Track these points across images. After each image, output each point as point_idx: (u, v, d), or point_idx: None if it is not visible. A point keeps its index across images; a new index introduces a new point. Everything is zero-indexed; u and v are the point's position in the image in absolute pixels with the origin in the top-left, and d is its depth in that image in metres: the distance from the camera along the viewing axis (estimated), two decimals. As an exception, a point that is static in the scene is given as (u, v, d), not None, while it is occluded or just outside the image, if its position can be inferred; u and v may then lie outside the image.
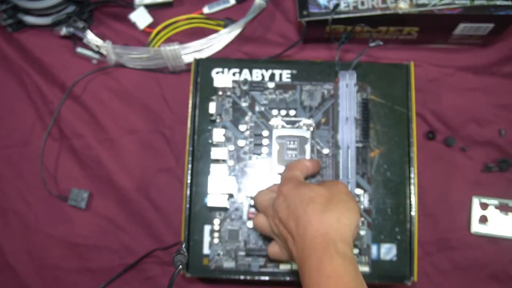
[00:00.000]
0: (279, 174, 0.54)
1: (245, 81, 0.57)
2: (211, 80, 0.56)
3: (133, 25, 0.65)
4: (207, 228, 0.54)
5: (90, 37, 0.63)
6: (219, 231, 0.54)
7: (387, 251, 0.53)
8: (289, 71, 0.57)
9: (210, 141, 0.55)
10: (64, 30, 0.63)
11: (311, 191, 0.43)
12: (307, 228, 0.41)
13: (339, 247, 0.40)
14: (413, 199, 0.54)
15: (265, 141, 0.55)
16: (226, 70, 0.57)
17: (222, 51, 0.64)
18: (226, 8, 0.66)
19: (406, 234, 0.53)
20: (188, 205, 0.54)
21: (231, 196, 0.54)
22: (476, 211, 0.60)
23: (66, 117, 0.63)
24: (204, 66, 0.57)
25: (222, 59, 0.58)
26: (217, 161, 0.54)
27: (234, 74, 0.57)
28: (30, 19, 0.64)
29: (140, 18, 0.65)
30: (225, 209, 0.54)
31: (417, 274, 0.52)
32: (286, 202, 0.44)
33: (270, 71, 0.57)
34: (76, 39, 0.64)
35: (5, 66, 0.65)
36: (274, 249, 0.48)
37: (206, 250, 0.53)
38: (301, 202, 0.43)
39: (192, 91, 0.56)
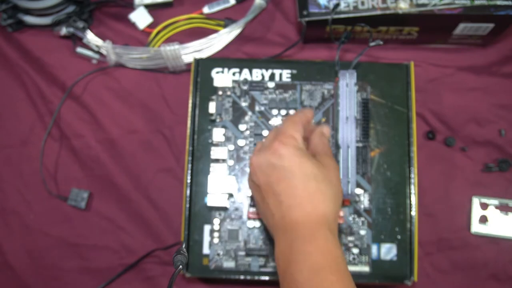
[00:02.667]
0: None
1: (245, 81, 0.57)
2: (211, 80, 0.56)
3: (133, 25, 0.65)
4: (207, 228, 0.54)
5: (90, 37, 0.63)
6: (219, 231, 0.54)
7: (387, 251, 0.53)
8: (289, 71, 0.57)
9: (210, 141, 0.55)
10: (64, 30, 0.63)
11: (314, 167, 0.43)
12: (303, 203, 0.42)
13: (333, 227, 0.42)
14: (413, 199, 0.54)
15: (265, 141, 0.55)
16: (226, 70, 0.57)
17: (222, 51, 0.64)
18: (226, 8, 0.66)
19: (406, 234, 0.53)
20: (188, 205, 0.54)
21: (231, 195, 0.54)
22: (476, 211, 0.60)
23: (66, 117, 0.63)
24: (204, 66, 0.57)
25: (222, 59, 0.58)
26: (217, 160, 0.54)
27: (234, 74, 0.57)
28: (30, 19, 0.64)
29: (140, 18, 0.65)
30: (225, 209, 0.54)
31: (417, 274, 0.52)
32: (283, 165, 0.43)
33: (270, 71, 0.57)
34: (76, 39, 0.64)
35: (5, 66, 0.65)
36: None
37: (206, 250, 0.53)
38: (303, 175, 0.42)
39: (192, 91, 0.56)
